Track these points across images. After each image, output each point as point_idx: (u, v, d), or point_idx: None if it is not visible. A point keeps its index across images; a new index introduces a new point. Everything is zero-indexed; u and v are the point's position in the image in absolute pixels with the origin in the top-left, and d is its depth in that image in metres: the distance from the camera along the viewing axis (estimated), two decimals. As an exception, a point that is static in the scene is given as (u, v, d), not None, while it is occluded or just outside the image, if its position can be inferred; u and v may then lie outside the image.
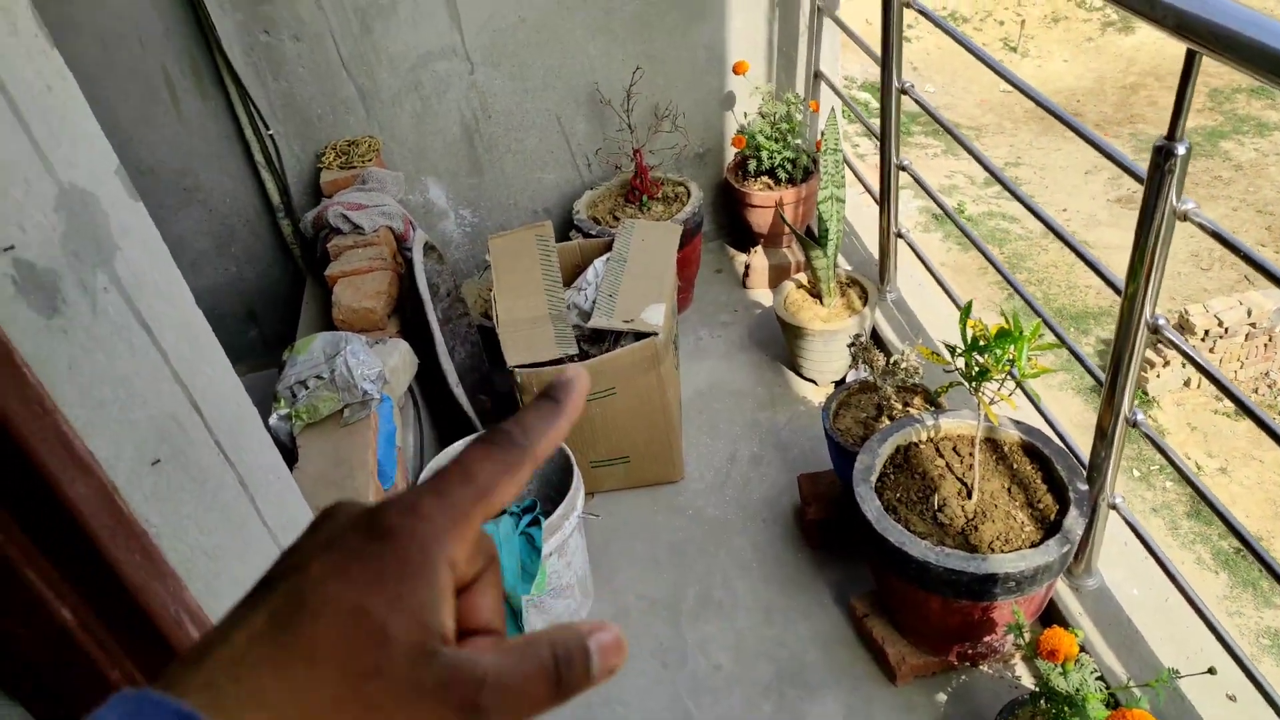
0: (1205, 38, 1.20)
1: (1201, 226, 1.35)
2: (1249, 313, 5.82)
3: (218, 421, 1.08)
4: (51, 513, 0.76)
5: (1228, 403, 5.86)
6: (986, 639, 1.69)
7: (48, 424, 0.76)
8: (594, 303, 2.28)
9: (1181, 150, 1.31)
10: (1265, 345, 6.03)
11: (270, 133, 2.71)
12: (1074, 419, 5.45)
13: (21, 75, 0.82)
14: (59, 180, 0.88)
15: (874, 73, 2.33)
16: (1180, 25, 1.24)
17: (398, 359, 2.09)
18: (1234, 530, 1.50)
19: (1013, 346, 1.48)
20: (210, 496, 1.02)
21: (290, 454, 1.85)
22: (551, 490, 2.13)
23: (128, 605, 0.85)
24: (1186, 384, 5.98)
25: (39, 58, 0.86)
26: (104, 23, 2.47)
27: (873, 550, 1.72)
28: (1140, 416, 1.59)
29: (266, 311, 3.08)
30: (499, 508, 0.33)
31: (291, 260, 2.97)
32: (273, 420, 1.87)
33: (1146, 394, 5.89)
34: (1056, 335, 1.77)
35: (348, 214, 2.45)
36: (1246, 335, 5.92)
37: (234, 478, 1.09)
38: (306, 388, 1.87)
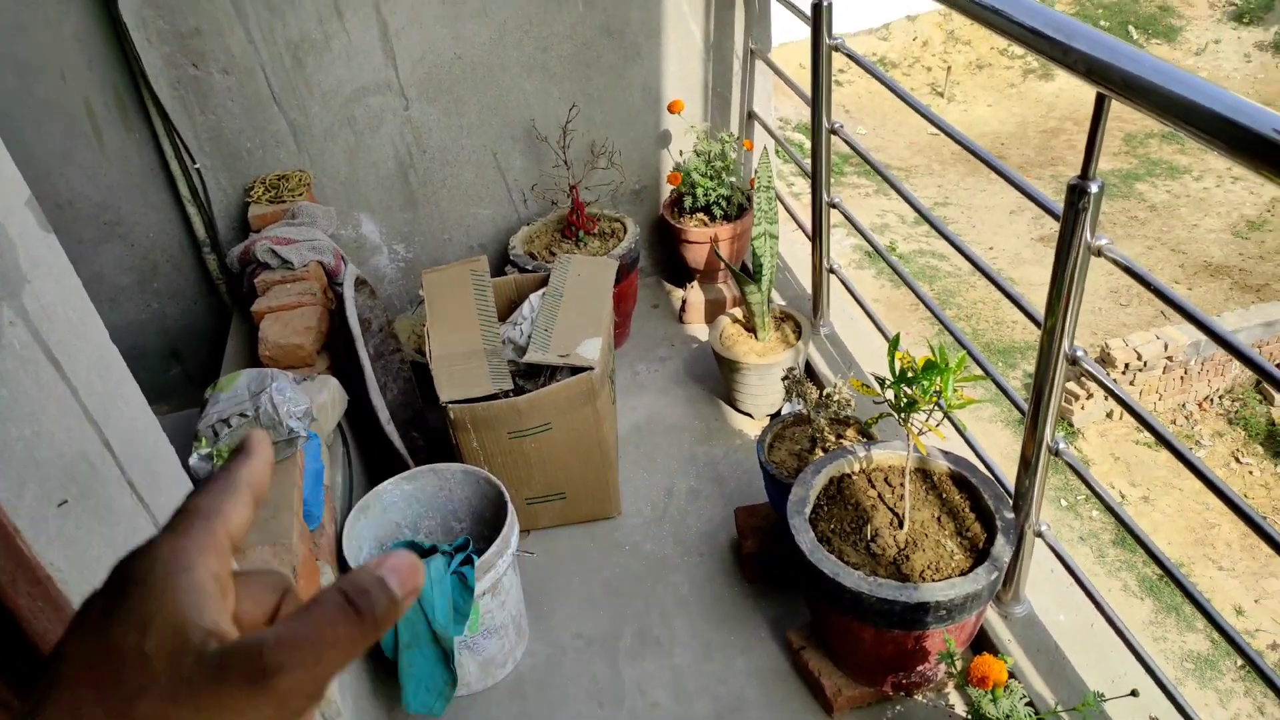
0: (1114, 82, 1.26)
1: (1115, 261, 1.41)
2: (1165, 347, 6.05)
3: (131, 461, 1.04)
4: (-57, 558, 0.72)
5: (1149, 434, 6.06)
6: (920, 668, 1.71)
7: (-59, 463, 0.72)
8: (529, 338, 2.26)
9: (1094, 188, 1.36)
10: (1182, 378, 6.27)
11: (196, 166, 2.65)
12: (1003, 450, 5.58)
13: (-76, 101, 0.80)
14: (-38, 210, 0.85)
15: (808, 115, 2.39)
16: (1090, 70, 1.29)
17: (326, 396, 2.04)
18: (1154, 557, 1.54)
19: (939, 378, 1.51)
20: (121, 539, 0.98)
21: (212, 494, 1.79)
22: (485, 528, 2.09)
23: (29, 656, 0.80)
24: (1109, 416, 6.18)
25: (-56, 83, 0.84)
26: (22, 54, 2.40)
27: (808, 582, 1.73)
28: (1063, 445, 1.64)
29: (190, 349, 2.99)
30: (242, 528, 0.35)
31: (217, 296, 2.89)
32: (193, 460, 1.80)
33: (1072, 426, 6.07)
34: (981, 367, 1.82)
35: (276, 249, 2.41)
36: (1164, 369, 6.14)
37: (147, 519, 1.05)
38: (230, 426, 1.81)
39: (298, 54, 2.58)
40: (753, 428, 2.65)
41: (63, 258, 1.01)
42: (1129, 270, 1.38)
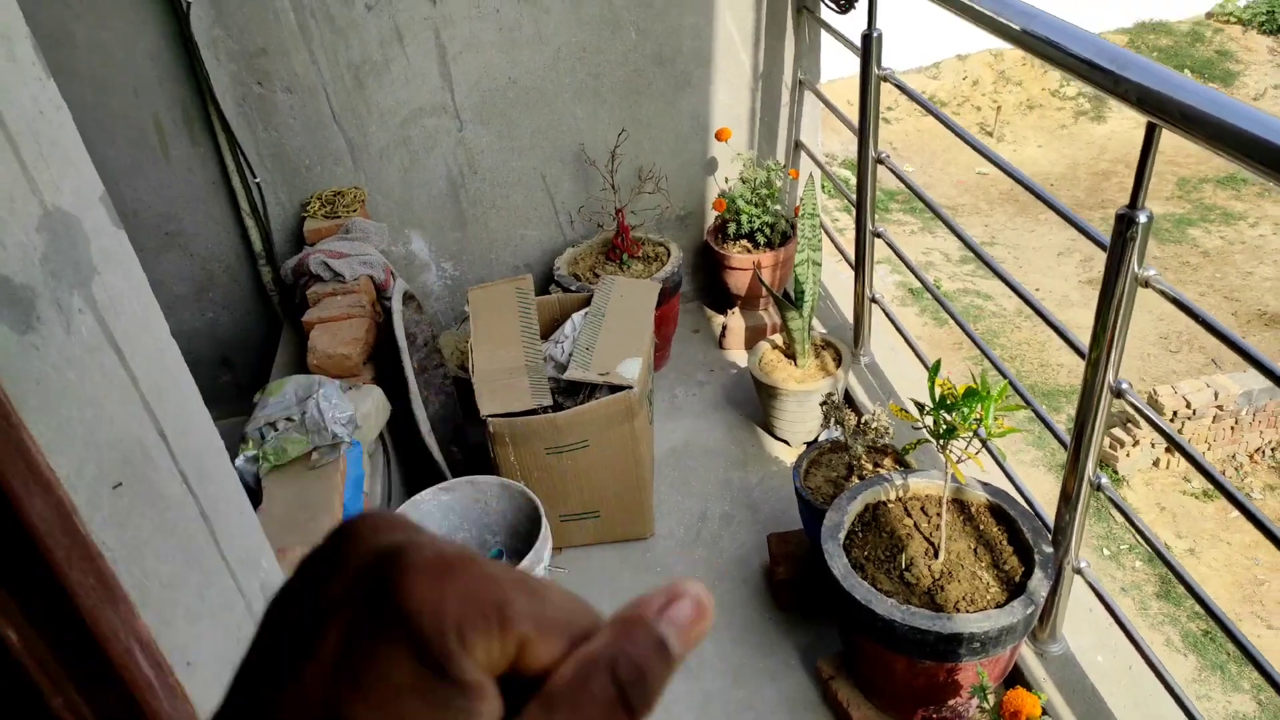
0: (1165, 111, 1.26)
1: (1163, 293, 1.39)
2: (1215, 395, 5.91)
3: (183, 450, 1.07)
4: (6, 527, 0.75)
5: (1197, 484, 5.91)
6: (951, 702, 1.68)
7: (11, 436, 0.76)
8: (570, 355, 2.29)
9: (1143, 218, 1.36)
10: (1232, 428, 6.10)
11: (257, 181, 2.74)
12: (1045, 495, 5.47)
13: (16, 99, 0.84)
14: (43, 202, 0.90)
15: (855, 150, 2.41)
16: (1141, 99, 1.30)
17: (370, 405, 2.08)
18: (1200, 601, 1.51)
19: (980, 405, 1.51)
20: (170, 525, 1.01)
21: (255, 496, 1.83)
22: (519, 542, 2.11)
23: (76, 629, 0.83)
24: (1156, 464, 6.04)
25: (34, 84, 0.88)
26: (101, 70, 2.51)
27: (840, 608, 1.71)
28: (1104, 480, 1.61)
29: (242, 358, 3.07)
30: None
31: (269, 308, 2.97)
32: (239, 461, 1.85)
33: (1117, 473, 5.94)
34: (1022, 397, 1.80)
35: (329, 262, 2.47)
36: (1214, 418, 5.99)
37: (195, 508, 1.08)
38: (276, 429, 1.86)
39: (358, 75, 2.67)
40: (789, 455, 2.64)
41: (130, 253, 1.06)
42: (1176, 302, 1.37)
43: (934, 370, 1.59)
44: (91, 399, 0.91)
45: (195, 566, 1.05)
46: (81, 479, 0.86)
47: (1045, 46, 1.54)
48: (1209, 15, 10.57)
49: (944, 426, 1.56)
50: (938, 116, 2.11)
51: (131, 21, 2.46)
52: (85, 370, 0.91)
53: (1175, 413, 5.94)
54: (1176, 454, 5.82)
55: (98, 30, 2.45)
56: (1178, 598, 5.16)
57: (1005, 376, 1.75)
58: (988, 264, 1.96)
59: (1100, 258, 1.45)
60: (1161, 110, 1.25)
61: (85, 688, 0.86)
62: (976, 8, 1.73)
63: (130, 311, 1.04)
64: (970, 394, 1.51)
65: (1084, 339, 1.54)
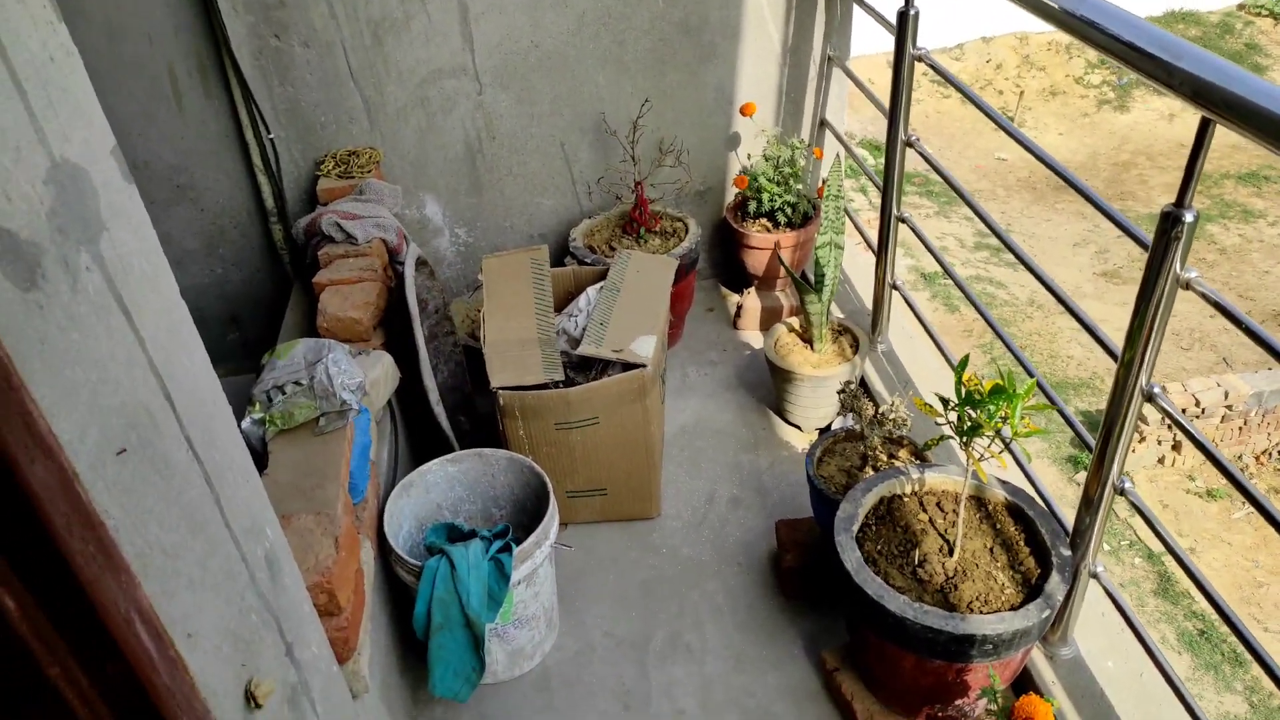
0: (1220, 106, 1.20)
1: (1204, 296, 1.35)
2: (1226, 395, 5.87)
3: (190, 415, 1.04)
4: (6, 494, 0.72)
5: (1200, 483, 5.88)
6: (958, 702, 1.66)
7: (12, 399, 0.72)
8: (584, 330, 2.25)
9: (1189, 218, 1.31)
10: (1240, 429, 6.06)
11: (271, 137, 2.68)
12: (1051, 490, 5.44)
13: (25, 44, 0.80)
14: (51, 153, 0.85)
15: (874, 130, 2.35)
16: (1196, 93, 1.24)
17: (380, 371, 2.04)
18: (1215, 604, 1.48)
19: (1006, 404, 1.47)
20: (175, 493, 0.97)
21: (260, 459, 1.80)
22: (525, 517, 2.08)
23: (75, 598, 0.80)
24: (1160, 461, 6.01)
25: (45, 29, 0.84)
26: (115, 16, 2.45)
27: (849, 602, 1.69)
28: (1128, 484, 1.58)
29: (250, 316, 3.03)
30: None
31: (280, 266, 2.93)
32: (245, 424, 1.82)
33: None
34: (1048, 396, 1.76)
35: (341, 223, 2.42)
36: (1223, 417, 5.95)
37: (200, 475, 1.05)
38: (284, 393, 1.82)
39: (378, 32, 2.60)
40: (800, 440, 2.61)
41: (141, 209, 1.01)
42: (1219, 307, 1.32)
43: (961, 366, 1.55)
44: (97, 361, 0.87)
45: (199, 535, 1.02)
46: (84, 444, 0.82)
47: (1086, 27, 1.47)
48: (1240, 7, 10.39)
49: (968, 423, 1.52)
50: (979, 105, 2.05)
51: (148, -34, 2.39)
52: (91, 331, 0.87)
53: (1184, 410, 5.90)
54: (1182, 452, 5.79)
55: (113, -26, 2.39)
56: (1175, 596, 5.15)
57: (1032, 375, 1.71)
58: (1020, 258, 1.90)
59: (1118, 251, 1.42)
60: (1221, 105, 1.19)
61: (83, 658, 0.83)
62: (1020, -12, 1.66)
63: (139, 270, 1.00)
64: (997, 391, 1.47)
65: (1104, 334, 1.50)
